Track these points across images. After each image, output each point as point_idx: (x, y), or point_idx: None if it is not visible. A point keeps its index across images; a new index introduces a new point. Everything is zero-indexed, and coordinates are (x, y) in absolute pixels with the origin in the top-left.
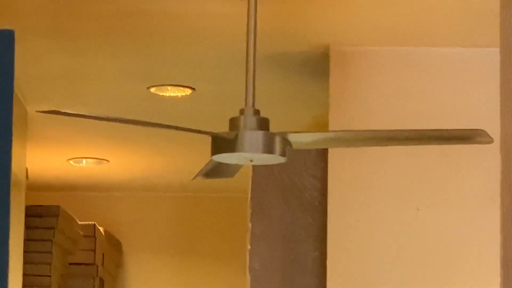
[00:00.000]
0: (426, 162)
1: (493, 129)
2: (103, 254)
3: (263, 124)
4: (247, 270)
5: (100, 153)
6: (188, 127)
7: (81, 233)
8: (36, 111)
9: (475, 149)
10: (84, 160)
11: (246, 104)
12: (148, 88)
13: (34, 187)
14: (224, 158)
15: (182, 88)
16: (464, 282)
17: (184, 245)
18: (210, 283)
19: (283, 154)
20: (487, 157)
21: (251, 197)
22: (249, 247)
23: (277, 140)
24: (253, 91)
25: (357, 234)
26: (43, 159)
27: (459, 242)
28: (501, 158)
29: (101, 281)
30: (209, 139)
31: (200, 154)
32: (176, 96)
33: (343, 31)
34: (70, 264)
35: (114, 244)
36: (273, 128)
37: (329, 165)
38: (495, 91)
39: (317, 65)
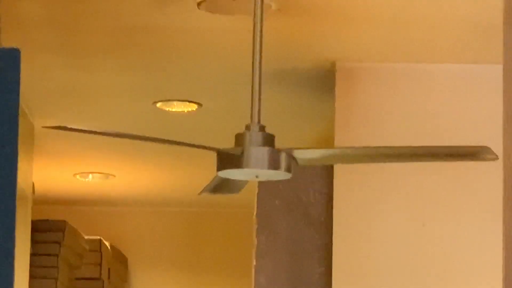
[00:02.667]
0: (431, 178)
1: (496, 145)
2: (109, 269)
3: (269, 140)
4: (253, 285)
5: (107, 168)
6: (194, 143)
7: (87, 247)
8: (43, 127)
9: (479, 165)
10: (90, 175)
11: (251, 120)
12: (154, 103)
13: (40, 201)
14: (230, 174)
15: (188, 104)
16: None
17: (190, 260)
18: None
19: (288, 170)
20: (491, 174)
21: (256, 213)
22: (254, 262)
23: (283, 156)
24: (259, 107)
25: (362, 250)
26: (49, 173)
27: (464, 258)
28: (503, 175)
29: None
30: (214, 154)
31: (206, 170)
32: (182, 111)
33: (348, 47)
34: (76, 278)
35: (120, 259)
36: (278, 143)
37: (334, 181)
38: (498, 107)
39: (323, 81)
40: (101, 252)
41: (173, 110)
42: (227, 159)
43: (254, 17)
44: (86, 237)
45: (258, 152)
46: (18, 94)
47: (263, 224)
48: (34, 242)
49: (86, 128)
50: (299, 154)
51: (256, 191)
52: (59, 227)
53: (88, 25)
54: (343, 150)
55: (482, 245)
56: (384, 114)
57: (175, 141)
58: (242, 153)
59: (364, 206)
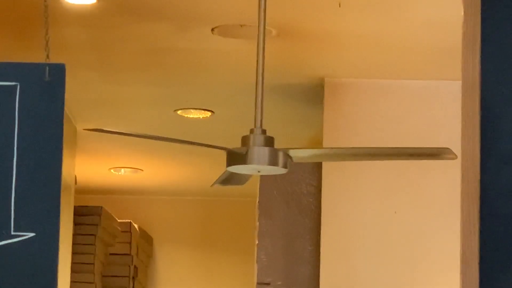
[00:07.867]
0: (402, 174)
1: (456, 148)
2: (137, 246)
3: (269, 142)
4: (255, 260)
5: (136, 164)
6: (208, 143)
7: (119, 229)
8: (83, 129)
9: (442, 163)
10: (122, 169)
11: (255, 124)
12: (175, 111)
13: (81, 191)
14: (237, 169)
15: (203, 111)
16: (429, 271)
17: (203, 239)
18: (224, 271)
19: (285, 166)
20: (452, 171)
21: (258, 201)
22: (257, 242)
23: (280, 155)
24: (261, 114)
25: (346, 232)
26: (89, 168)
27: (427, 239)
28: (461, 172)
29: (135, 268)
30: (224, 153)
31: (217, 166)
32: (198, 117)
33: (334, 66)
34: (110, 254)
35: (146, 238)
36: (277, 144)
37: (323, 175)
38: (457, 116)
39: (314, 94)
40: (131, 232)
41: (191, 116)
42: (234, 157)
43: (258, 40)
44: (118, 220)
45: (260, 151)
46: (63, 103)
47: (264, 210)
48: (75, 224)
49: (119, 131)
50: (294, 153)
51: (258, 183)
52: (97, 212)
53: (122, 47)
54: (330, 150)
55: (443, 229)
56: (364, 121)
57: (192, 142)
58: (247, 152)
59: (347, 196)
